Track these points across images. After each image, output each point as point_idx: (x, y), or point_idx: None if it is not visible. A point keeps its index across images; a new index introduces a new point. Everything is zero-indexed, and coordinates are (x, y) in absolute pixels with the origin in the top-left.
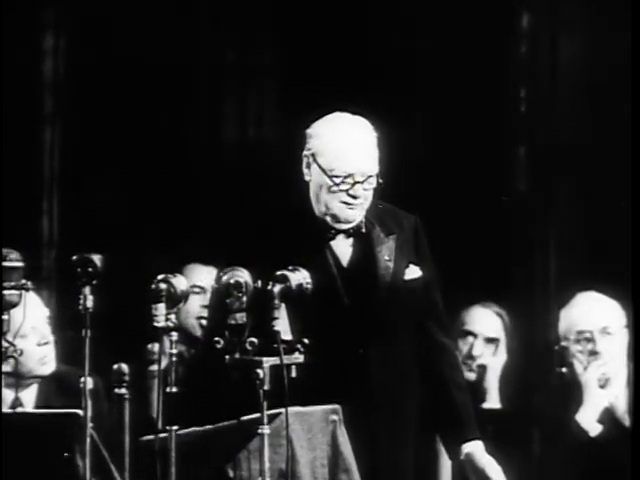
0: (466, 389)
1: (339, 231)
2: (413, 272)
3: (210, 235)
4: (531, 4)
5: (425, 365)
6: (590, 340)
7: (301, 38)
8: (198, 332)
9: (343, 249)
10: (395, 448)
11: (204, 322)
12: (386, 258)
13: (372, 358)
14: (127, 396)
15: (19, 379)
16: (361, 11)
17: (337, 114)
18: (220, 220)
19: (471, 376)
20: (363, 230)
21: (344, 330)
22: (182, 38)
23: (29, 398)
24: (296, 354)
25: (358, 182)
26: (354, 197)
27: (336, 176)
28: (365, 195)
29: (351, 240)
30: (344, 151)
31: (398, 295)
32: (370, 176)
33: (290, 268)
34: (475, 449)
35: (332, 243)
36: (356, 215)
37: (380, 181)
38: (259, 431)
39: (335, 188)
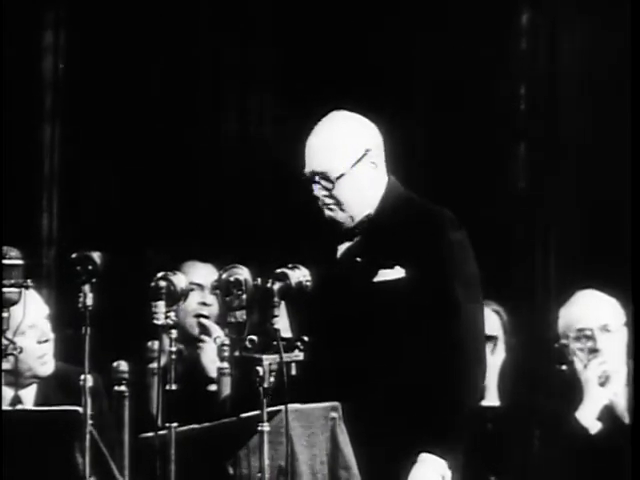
0: (456, 401)
1: (346, 231)
2: (394, 273)
3: (209, 233)
4: (531, 1)
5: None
6: (590, 338)
7: (301, 37)
8: (196, 330)
9: (342, 251)
10: (395, 445)
11: (202, 320)
12: (357, 259)
13: (347, 354)
14: (127, 393)
15: (18, 377)
16: (361, 9)
17: (331, 113)
18: (219, 219)
19: None
20: (357, 231)
21: (321, 325)
22: (182, 37)
23: (29, 396)
24: (296, 352)
25: (316, 182)
26: (318, 197)
27: (304, 177)
28: (336, 195)
29: (355, 239)
30: (306, 151)
31: (366, 296)
32: (326, 175)
33: (290, 266)
34: (422, 463)
35: (342, 243)
36: (339, 216)
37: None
38: (259, 428)
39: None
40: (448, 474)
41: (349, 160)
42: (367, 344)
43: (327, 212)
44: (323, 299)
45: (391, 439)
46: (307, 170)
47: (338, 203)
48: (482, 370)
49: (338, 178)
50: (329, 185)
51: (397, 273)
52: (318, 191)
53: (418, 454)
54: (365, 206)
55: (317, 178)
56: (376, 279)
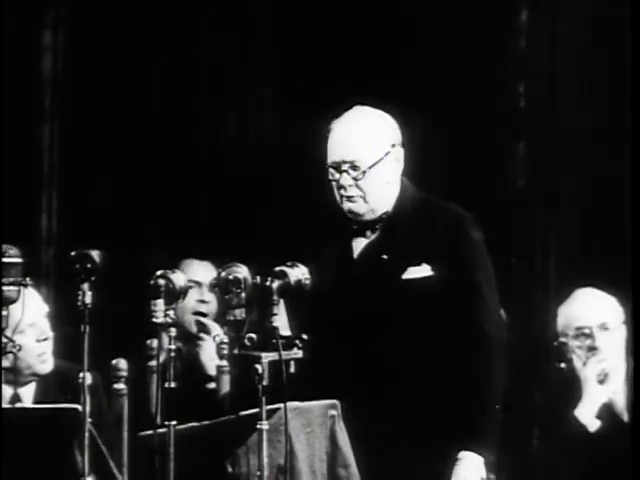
0: (488, 396)
1: (360, 227)
2: (421, 271)
3: (209, 231)
4: (531, 0)
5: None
6: (589, 336)
7: (301, 37)
8: (194, 328)
9: (359, 245)
10: (394, 444)
11: (201, 318)
12: (384, 256)
13: (369, 353)
14: (126, 391)
15: (18, 375)
16: (360, 9)
17: (356, 107)
18: (219, 217)
19: None
20: (378, 226)
21: (342, 324)
22: (182, 37)
23: (28, 394)
24: (295, 349)
25: (343, 171)
26: (343, 187)
27: (329, 167)
28: (362, 186)
29: (372, 237)
30: (331, 141)
31: (393, 293)
32: (356, 165)
33: (289, 264)
34: (463, 460)
35: (355, 239)
36: (361, 208)
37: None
38: (258, 426)
39: (330, 181)
40: (484, 471)
41: (380, 152)
42: (392, 341)
43: (347, 204)
44: (342, 296)
45: (390, 437)
46: (333, 159)
47: (363, 195)
48: (505, 365)
49: (369, 168)
50: (359, 175)
51: (424, 271)
52: (344, 180)
53: (458, 452)
54: (386, 202)
55: (345, 167)
56: (404, 276)
